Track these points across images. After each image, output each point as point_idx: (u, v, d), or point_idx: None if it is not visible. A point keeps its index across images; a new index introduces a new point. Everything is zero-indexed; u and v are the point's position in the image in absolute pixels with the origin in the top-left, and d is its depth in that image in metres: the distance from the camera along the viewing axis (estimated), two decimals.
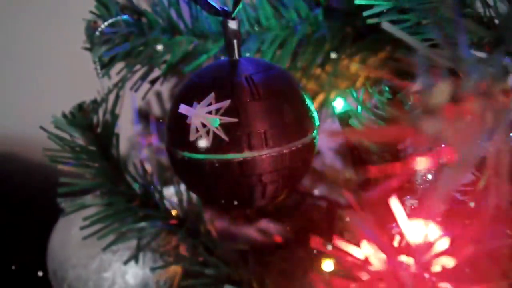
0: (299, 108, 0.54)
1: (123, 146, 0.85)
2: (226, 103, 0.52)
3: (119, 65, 0.66)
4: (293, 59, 0.69)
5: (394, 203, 0.40)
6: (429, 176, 0.53)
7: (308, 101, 0.56)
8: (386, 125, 0.57)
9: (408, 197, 0.53)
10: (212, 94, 0.52)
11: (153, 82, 0.68)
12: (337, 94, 0.65)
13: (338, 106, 0.63)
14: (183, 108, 0.52)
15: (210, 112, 0.52)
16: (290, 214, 0.79)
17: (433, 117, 0.37)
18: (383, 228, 0.45)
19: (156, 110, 0.94)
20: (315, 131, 0.56)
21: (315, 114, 0.56)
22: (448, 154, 0.37)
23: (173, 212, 0.68)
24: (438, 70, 0.38)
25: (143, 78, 0.66)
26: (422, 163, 0.41)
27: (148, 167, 0.85)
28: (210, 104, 0.52)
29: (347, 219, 0.63)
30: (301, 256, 0.73)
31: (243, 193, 0.54)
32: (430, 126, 0.36)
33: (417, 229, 0.40)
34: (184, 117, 0.53)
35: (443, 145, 0.44)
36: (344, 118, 0.61)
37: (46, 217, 0.74)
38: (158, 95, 0.92)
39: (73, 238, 0.71)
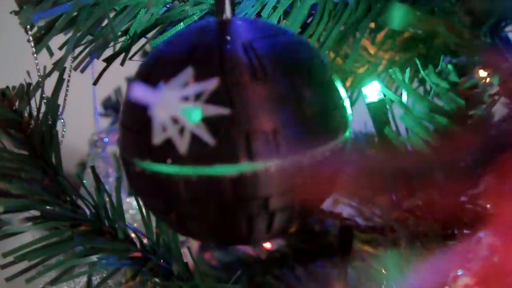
0: (326, 94, 0.43)
1: (81, 148, 0.82)
2: (212, 83, 0.40)
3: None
4: (301, 33, 0.61)
5: None
6: None
7: (337, 84, 0.44)
8: (450, 121, 0.45)
9: (483, 233, 0.42)
10: (190, 70, 0.40)
11: (109, 60, 0.58)
12: (366, 76, 0.51)
13: (371, 93, 0.51)
14: (139, 91, 0.38)
15: (186, 98, 0.39)
16: None
17: None
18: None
19: None
20: (348, 130, 0.43)
21: (347, 104, 0.44)
22: None
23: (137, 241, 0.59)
24: None
25: (93, 54, 0.57)
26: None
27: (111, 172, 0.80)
28: (185, 85, 0.39)
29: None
30: (302, 275, 0.71)
31: (237, 227, 0.42)
32: None
33: None
34: (144, 107, 0.40)
35: None
36: (379, 111, 0.51)
37: None
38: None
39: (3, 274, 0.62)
